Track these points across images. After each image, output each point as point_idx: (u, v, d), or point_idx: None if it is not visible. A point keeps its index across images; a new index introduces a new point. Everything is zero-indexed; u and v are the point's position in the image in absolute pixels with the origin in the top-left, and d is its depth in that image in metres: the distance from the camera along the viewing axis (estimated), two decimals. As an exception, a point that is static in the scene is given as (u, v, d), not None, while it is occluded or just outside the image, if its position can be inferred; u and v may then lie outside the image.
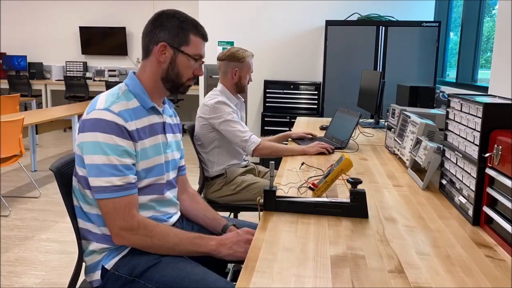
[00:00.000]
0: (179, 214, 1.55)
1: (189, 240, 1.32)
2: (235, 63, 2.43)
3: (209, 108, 2.36)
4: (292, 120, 4.77)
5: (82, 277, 1.42)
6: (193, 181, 2.90)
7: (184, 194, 1.61)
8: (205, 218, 1.57)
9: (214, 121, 2.35)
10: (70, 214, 1.39)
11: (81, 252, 1.39)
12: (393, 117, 2.33)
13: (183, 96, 7.35)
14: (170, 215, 1.48)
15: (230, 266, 2.40)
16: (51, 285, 2.53)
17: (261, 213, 1.38)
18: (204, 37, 1.43)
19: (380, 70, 4.61)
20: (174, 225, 1.49)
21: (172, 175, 1.50)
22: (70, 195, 1.39)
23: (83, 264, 1.40)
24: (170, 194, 1.48)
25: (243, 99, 2.60)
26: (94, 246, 1.34)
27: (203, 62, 1.45)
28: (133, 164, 1.30)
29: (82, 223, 1.37)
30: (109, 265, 1.32)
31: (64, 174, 1.38)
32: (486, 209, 1.25)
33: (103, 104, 1.29)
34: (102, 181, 1.24)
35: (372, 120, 3.41)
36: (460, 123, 1.42)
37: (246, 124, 2.54)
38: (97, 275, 1.34)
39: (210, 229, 1.55)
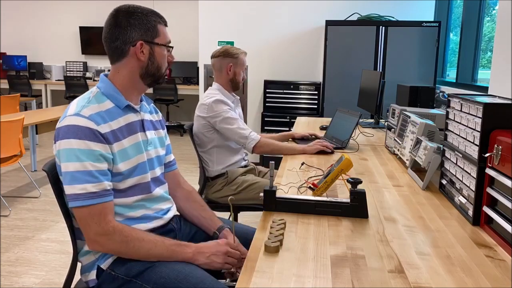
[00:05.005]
0: (175, 209, 1.54)
1: (165, 246, 1.30)
2: (229, 59, 2.45)
3: (207, 107, 2.36)
4: (292, 120, 4.77)
5: (78, 276, 1.41)
6: (194, 181, 2.90)
7: (178, 191, 1.59)
8: (200, 218, 1.55)
9: (213, 119, 2.35)
10: (64, 214, 1.39)
11: (76, 252, 1.39)
12: (393, 117, 2.33)
13: (183, 96, 7.35)
14: (164, 211, 1.47)
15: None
16: (51, 285, 2.53)
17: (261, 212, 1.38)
18: (166, 23, 1.44)
19: (380, 70, 4.61)
20: (170, 221, 1.48)
21: (159, 171, 1.48)
22: (63, 195, 1.39)
23: (79, 264, 1.40)
24: (160, 190, 1.46)
25: (239, 97, 2.60)
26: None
27: (172, 47, 1.46)
28: (109, 170, 1.29)
29: (76, 223, 1.37)
30: (104, 265, 1.32)
31: (57, 174, 1.37)
32: (486, 209, 1.25)
33: (74, 109, 1.28)
34: (76, 189, 1.23)
35: (372, 120, 3.41)
36: (460, 123, 1.42)
37: (246, 123, 2.54)
38: (92, 275, 1.33)
39: (204, 229, 1.54)
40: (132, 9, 1.37)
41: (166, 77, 1.47)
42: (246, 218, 3.21)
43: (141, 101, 1.47)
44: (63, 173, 1.25)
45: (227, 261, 1.32)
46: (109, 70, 1.44)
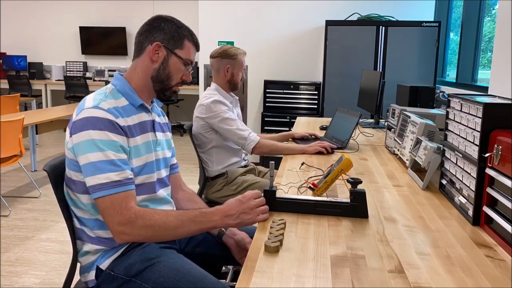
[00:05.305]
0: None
1: (190, 220, 1.27)
2: (227, 60, 2.44)
3: (205, 107, 2.36)
4: (292, 120, 4.77)
5: (77, 277, 1.41)
6: (194, 181, 2.90)
7: (180, 193, 1.60)
8: None
9: (212, 120, 2.35)
10: (64, 214, 1.39)
11: (76, 252, 1.38)
12: (393, 117, 2.33)
13: (183, 96, 7.35)
14: None
15: (230, 267, 2.41)
16: (51, 285, 2.53)
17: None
18: (197, 46, 1.46)
19: (380, 70, 4.61)
20: None
21: (164, 173, 1.49)
22: (64, 195, 1.39)
23: (78, 264, 1.40)
24: (163, 192, 1.47)
25: (237, 97, 2.60)
26: (88, 247, 1.34)
27: (192, 69, 1.47)
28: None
29: (76, 223, 1.37)
30: (103, 265, 1.32)
31: (58, 173, 1.37)
32: (486, 209, 1.25)
33: (92, 103, 1.29)
34: (100, 179, 1.22)
35: (372, 120, 3.41)
36: (460, 123, 1.42)
37: (246, 123, 2.54)
38: (91, 275, 1.34)
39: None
40: (171, 18, 1.42)
41: (175, 92, 1.48)
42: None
43: (152, 102, 1.49)
44: (84, 165, 1.24)
45: (257, 213, 1.28)
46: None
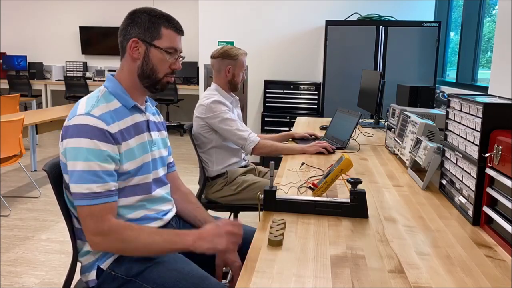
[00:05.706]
0: (174, 210, 1.54)
1: (163, 238, 1.27)
2: (228, 60, 2.43)
3: (205, 108, 2.36)
4: (292, 120, 4.78)
5: (77, 276, 1.41)
6: (194, 181, 2.90)
7: (177, 193, 1.60)
8: (195, 220, 1.55)
9: (212, 120, 2.35)
10: (64, 214, 1.39)
11: (76, 252, 1.39)
12: (393, 117, 2.33)
13: (183, 96, 7.35)
14: (164, 212, 1.47)
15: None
16: (51, 285, 2.53)
17: (261, 212, 1.38)
18: (178, 30, 1.41)
19: (380, 70, 4.61)
20: (169, 222, 1.48)
21: (161, 172, 1.49)
22: (64, 195, 1.39)
23: (79, 264, 1.40)
24: (161, 191, 1.47)
25: (238, 98, 2.60)
26: (89, 247, 1.33)
27: (180, 56, 1.43)
28: (115, 170, 1.29)
29: (76, 223, 1.37)
30: (104, 265, 1.32)
31: (58, 173, 1.37)
32: (486, 209, 1.25)
33: (84, 109, 1.28)
34: (82, 188, 1.23)
35: (372, 120, 3.41)
36: (460, 123, 1.42)
37: (246, 123, 2.54)
38: (92, 275, 1.33)
39: None
40: (144, 9, 1.38)
41: (168, 83, 1.46)
42: (246, 218, 3.21)
43: (145, 101, 1.48)
44: (70, 171, 1.25)
45: (230, 241, 1.27)
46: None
